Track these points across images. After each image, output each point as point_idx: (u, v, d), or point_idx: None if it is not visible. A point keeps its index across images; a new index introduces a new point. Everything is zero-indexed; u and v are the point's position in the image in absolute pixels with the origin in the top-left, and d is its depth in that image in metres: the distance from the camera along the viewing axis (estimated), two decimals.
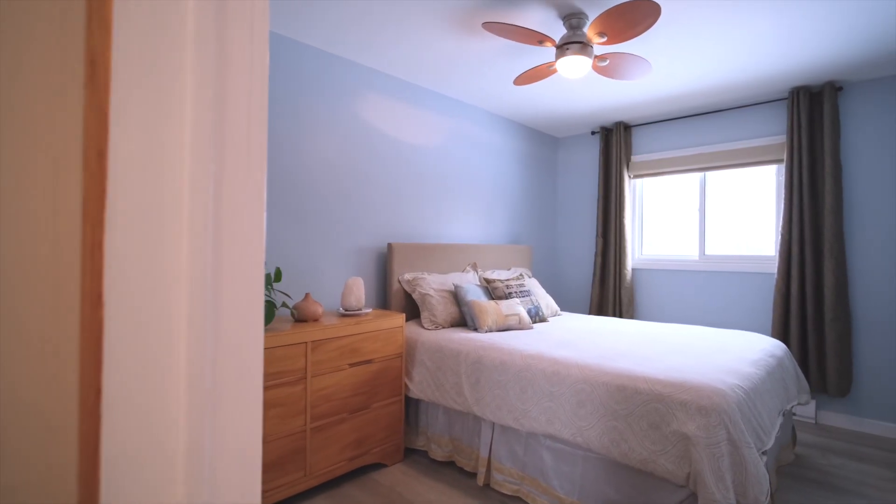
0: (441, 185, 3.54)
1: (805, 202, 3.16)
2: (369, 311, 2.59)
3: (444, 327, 2.89)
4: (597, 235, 4.41)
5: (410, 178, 3.29)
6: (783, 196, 3.26)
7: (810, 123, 3.18)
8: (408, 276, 3.03)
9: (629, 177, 4.29)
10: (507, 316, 2.88)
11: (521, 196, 4.50)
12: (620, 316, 4.22)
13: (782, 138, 3.39)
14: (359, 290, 2.52)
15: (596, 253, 4.41)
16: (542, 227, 4.81)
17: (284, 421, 2.08)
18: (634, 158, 4.29)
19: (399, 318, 2.60)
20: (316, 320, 2.35)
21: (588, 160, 4.73)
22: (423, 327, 2.86)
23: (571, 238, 4.87)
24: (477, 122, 3.87)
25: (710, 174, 3.86)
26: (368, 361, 2.44)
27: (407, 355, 2.73)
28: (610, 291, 4.24)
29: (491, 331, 2.79)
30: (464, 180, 3.76)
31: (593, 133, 4.54)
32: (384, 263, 3.11)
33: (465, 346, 2.51)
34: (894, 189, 2.99)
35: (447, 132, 3.58)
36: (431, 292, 2.96)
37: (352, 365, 2.36)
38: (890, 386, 2.97)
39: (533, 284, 3.71)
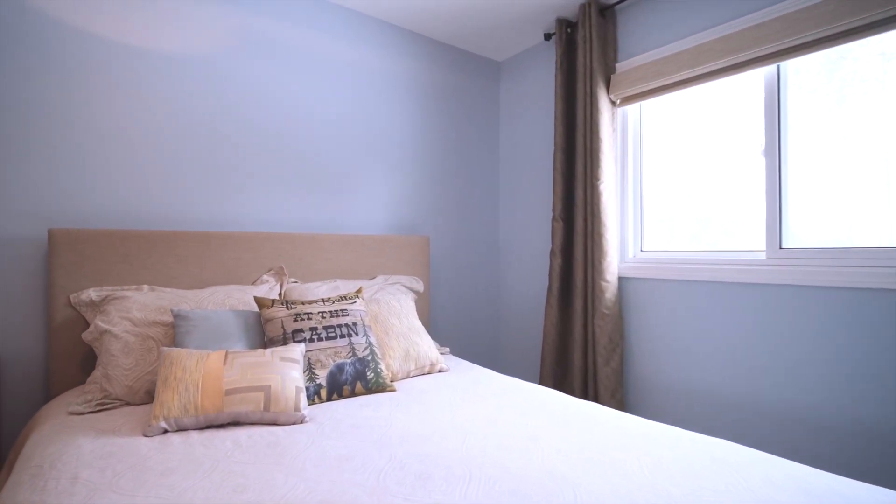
0: (232, 127, 1.91)
1: None
2: None
3: (130, 404, 1.33)
4: (553, 217, 2.28)
5: (138, 104, 1.73)
6: None
7: None
8: (94, 293, 1.51)
9: (612, 102, 2.16)
10: (230, 392, 1.16)
11: (425, 157, 2.49)
12: (595, 374, 2.06)
13: None
14: None
15: (552, 250, 2.27)
16: (469, 206, 2.68)
17: None
18: (621, 66, 2.16)
19: None
20: None
21: (544, 86, 2.59)
22: (72, 411, 1.26)
23: (521, 223, 2.73)
24: (329, 28, 2.12)
25: (793, 67, 1.71)
26: None
27: None
28: (577, 320, 2.11)
29: (184, 428, 1.14)
30: (291, 129, 2.05)
31: (547, 37, 2.42)
32: (47, 271, 1.59)
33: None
34: None
35: (239, 35, 1.87)
36: (120, 329, 1.40)
37: None
38: None
39: (387, 308, 1.61)
